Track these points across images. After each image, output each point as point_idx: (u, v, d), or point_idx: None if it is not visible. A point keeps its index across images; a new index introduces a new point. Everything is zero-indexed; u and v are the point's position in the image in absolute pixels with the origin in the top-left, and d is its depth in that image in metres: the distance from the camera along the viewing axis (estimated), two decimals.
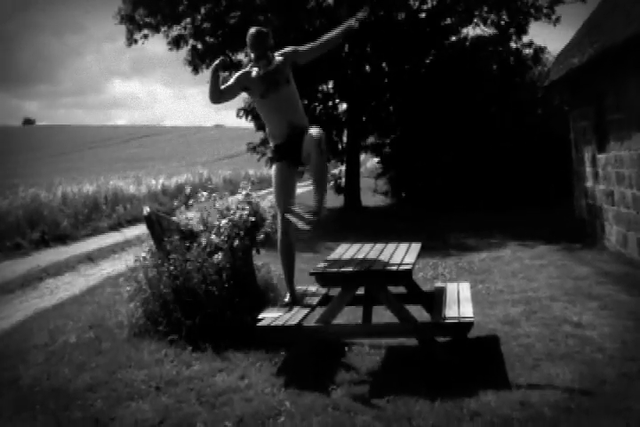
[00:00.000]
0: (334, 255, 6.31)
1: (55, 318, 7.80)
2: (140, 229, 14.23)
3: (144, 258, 6.97)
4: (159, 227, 6.83)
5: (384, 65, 21.43)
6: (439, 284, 7.26)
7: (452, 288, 6.57)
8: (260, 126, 21.26)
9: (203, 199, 7.16)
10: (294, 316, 5.66)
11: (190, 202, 7.29)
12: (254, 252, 6.92)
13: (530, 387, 5.01)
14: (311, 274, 5.62)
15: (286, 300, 6.10)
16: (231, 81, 6.12)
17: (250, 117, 21.27)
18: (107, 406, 5.00)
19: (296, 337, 5.55)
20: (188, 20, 20.23)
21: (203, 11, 19.90)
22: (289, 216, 5.67)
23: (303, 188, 17.02)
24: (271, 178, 6.34)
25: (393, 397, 4.90)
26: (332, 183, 22.98)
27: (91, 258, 12.87)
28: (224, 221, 6.71)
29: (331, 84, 21.68)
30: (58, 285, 10.44)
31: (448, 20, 20.87)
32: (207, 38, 20.29)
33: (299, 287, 6.32)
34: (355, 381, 5.38)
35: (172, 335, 6.36)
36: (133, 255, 7.28)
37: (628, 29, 9.46)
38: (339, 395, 5.02)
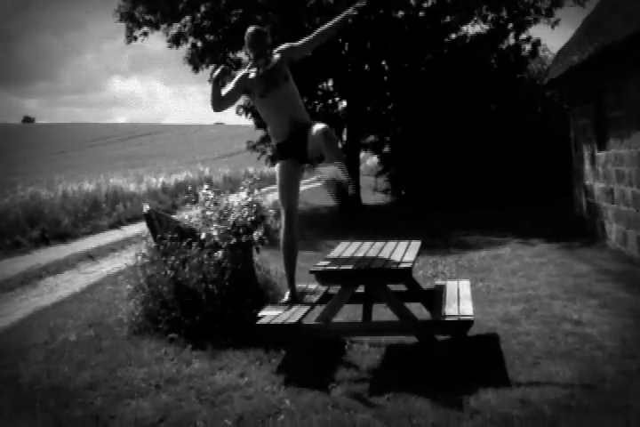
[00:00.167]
0: (334, 253, 6.31)
1: (55, 316, 7.80)
2: (140, 228, 14.21)
3: (144, 256, 6.98)
4: (159, 225, 6.83)
5: (384, 63, 21.42)
6: (439, 282, 7.26)
7: (451, 286, 6.57)
8: (259, 124, 21.26)
9: (203, 198, 7.15)
10: (294, 314, 5.66)
11: (194, 199, 7.28)
12: (254, 250, 6.92)
13: (529, 385, 5.01)
14: (311, 272, 5.62)
15: (286, 298, 6.09)
16: (230, 86, 6.11)
17: (249, 115, 21.26)
18: (107, 404, 5.00)
19: (296, 335, 5.55)
20: (188, 17, 20.21)
21: (203, 9, 19.87)
22: (326, 187, 5.54)
23: (305, 185, 17.01)
24: (274, 176, 6.34)
25: (393, 395, 4.90)
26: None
27: (91, 256, 12.87)
28: (225, 220, 6.71)
29: (330, 83, 21.67)
30: (58, 283, 10.44)
31: (448, 19, 20.85)
32: (207, 36, 20.26)
33: (298, 285, 6.32)
34: (355, 379, 5.38)
35: (171, 333, 6.36)
36: (133, 253, 7.28)
37: (628, 27, 9.45)
38: (338, 393, 5.03)
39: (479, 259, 10.97)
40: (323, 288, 6.40)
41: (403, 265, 5.58)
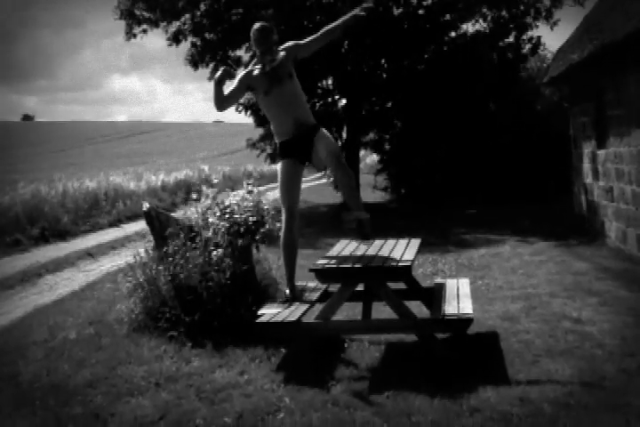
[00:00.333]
0: (333, 251, 6.31)
1: (55, 314, 7.80)
2: (140, 226, 14.23)
3: (143, 254, 6.98)
4: (158, 223, 6.83)
5: (383, 62, 21.41)
6: (439, 280, 7.26)
7: (451, 284, 6.57)
8: (259, 122, 21.26)
9: (204, 197, 7.15)
10: (294, 312, 5.65)
11: (195, 197, 7.27)
12: (254, 248, 6.92)
13: (529, 383, 5.01)
14: (311, 270, 5.62)
15: (286, 296, 6.09)
16: (234, 84, 6.09)
17: (249, 113, 21.24)
18: (106, 402, 5.00)
19: (295, 333, 5.55)
20: (188, 16, 20.19)
21: (203, 7, 19.86)
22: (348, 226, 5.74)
23: (305, 183, 17.02)
24: (274, 174, 6.36)
25: (392, 393, 4.90)
26: (331, 179, 22.96)
27: (90, 254, 12.87)
28: (225, 218, 6.71)
29: (330, 81, 21.66)
30: (57, 281, 10.44)
31: (447, 17, 20.84)
32: (207, 35, 20.24)
33: (298, 283, 6.31)
34: (354, 377, 5.38)
35: (171, 331, 6.36)
36: (133, 251, 7.28)
37: (628, 26, 9.45)
38: (338, 391, 5.03)
39: (479, 257, 10.97)
40: (322, 286, 6.41)
41: (402, 263, 5.58)
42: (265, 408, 4.73)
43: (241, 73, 6.18)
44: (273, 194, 7.23)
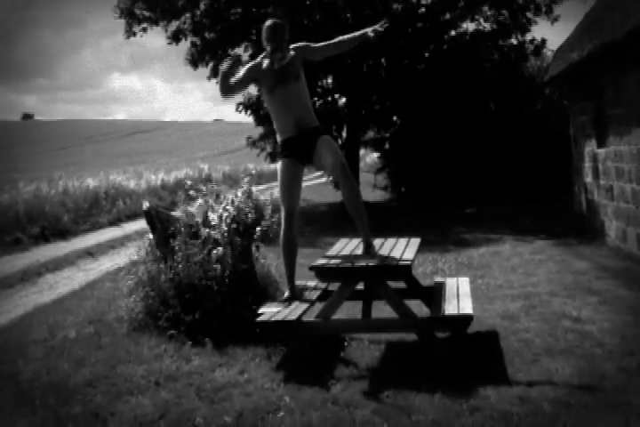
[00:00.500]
0: (333, 250, 6.31)
1: (54, 313, 7.80)
2: (140, 225, 14.23)
3: (143, 253, 6.98)
4: (158, 222, 6.83)
5: (383, 61, 21.40)
6: (439, 279, 7.26)
7: (451, 283, 6.57)
8: (259, 121, 21.25)
9: (203, 195, 7.15)
10: (294, 311, 5.66)
11: (195, 195, 7.27)
12: (254, 247, 6.92)
13: (529, 382, 5.01)
14: (311, 269, 5.62)
15: (286, 295, 6.09)
16: (241, 73, 6.06)
17: (249, 112, 21.23)
18: (106, 401, 5.00)
19: (295, 332, 5.56)
20: (188, 15, 20.19)
21: (202, 6, 19.85)
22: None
23: (305, 182, 17.01)
24: (274, 172, 6.36)
25: (392, 392, 4.90)
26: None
27: (90, 253, 12.87)
28: (219, 214, 6.70)
29: (330, 79, 21.65)
30: (57, 280, 10.44)
31: (447, 16, 20.84)
32: (206, 34, 20.23)
33: (298, 282, 6.31)
34: (354, 376, 5.38)
35: (171, 330, 6.36)
36: (133, 250, 7.28)
37: (628, 24, 9.44)
38: (338, 390, 5.03)
39: (479, 256, 10.97)
40: (322, 285, 6.40)
41: (402, 262, 5.58)
42: (265, 407, 4.73)
43: (249, 63, 6.16)
44: (273, 192, 7.22)
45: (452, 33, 21.35)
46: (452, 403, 4.66)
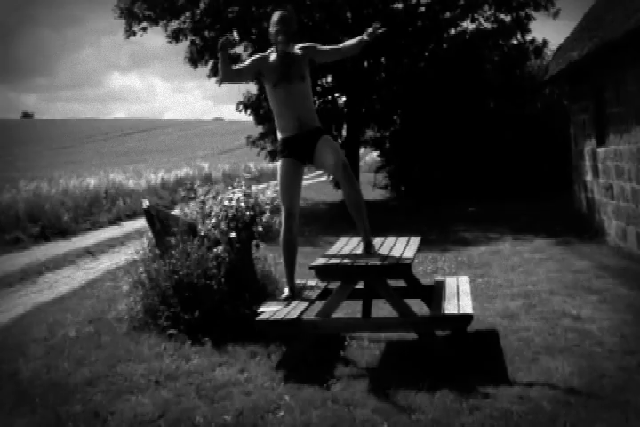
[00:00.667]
0: (333, 249, 6.30)
1: (54, 312, 7.80)
2: (140, 223, 14.22)
3: (143, 252, 6.97)
4: (158, 221, 6.83)
5: (383, 60, 21.39)
6: (438, 278, 7.26)
7: (451, 282, 6.57)
8: (259, 120, 21.26)
9: (202, 194, 7.15)
10: (294, 310, 5.66)
11: (192, 195, 7.27)
12: (253, 246, 6.92)
13: (529, 381, 5.02)
14: (311, 268, 5.61)
15: (285, 294, 6.09)
16: (246, 62, 6.07)
17: (249, 111, 21.22)
18: (106, 399, 5.00)
19: (295, 331, 5.55)
20: (188, 14, 20.17)
21: (202, 5, 19.83)
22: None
23: (305, 181, 17.02)
24: (273, 171, 6.35)
25: (392, 390, 4.90)
26: (331, 177, 22.95)
27: (90, 252, 12.87)
28: (222, 214, 6.70)
29: (330, 78, 21.65)
30: (57, 279, 10.44)
31: (447, 15, 20.82)
32: (206, 33, 20.22)
33: (298, 281, 6.31)
34: (354, 374, 5.38)
35: (171, 329, 6.36)
36: (133, 249, 7.27)
37: (628, 23, 9.44)
38: (338, 389, 5.03)
39: (478, 255, 10.97)
40: (322, 284, 6.41)
41: (402, 261, 5.58)
42: (265, 406, 4.73)
43: (257, 55, 6.14)
44: (273, 191, 7.21)
45: (452, 32, 21.35)
46: (452, 402, 4.66)
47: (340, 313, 6.26)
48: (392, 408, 4.62)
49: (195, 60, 20.61)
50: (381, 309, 6.70)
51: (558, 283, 8.37)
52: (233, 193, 6.87)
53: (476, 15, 20.68)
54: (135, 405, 4.86)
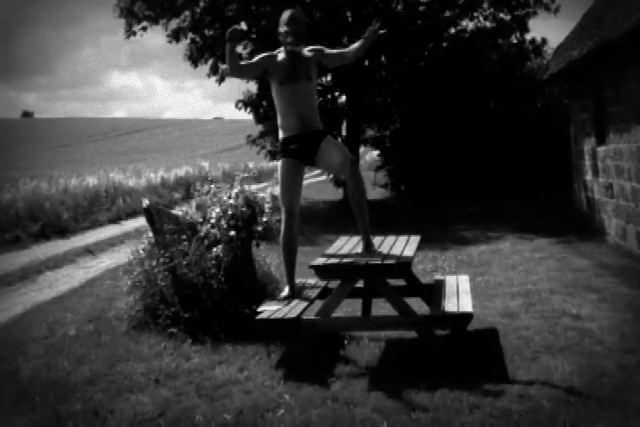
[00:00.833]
0: (333, 248, 6.30)
1: (54, 311, 7.80)
2: (139, 222, 14.23)
3: (143, 250, 6.97)
4: (158, 219, 6.83)
5: (383, 59, 21.39)
6: (438, 276, 7.26)
7: (451, 281, 6.56)
8: (259, 119, 21.26)
9: (201, 193, 7.15)
10: (293, 309, 5.66)
11: (191, 194, 7.28)
12: (253, 245, 6.91)
13: (529, 379, 5.01)
14: (310, 267, 5.61)
15: (285, 293, 6.09)
16: (255, 59, 6.06)
17: (249, 109, 21.21)
18: (106, 398, 5.00)
19: (295, 330, 5.55)
20: (188, 13, 20.16)
21: (202, 4, 19.83)
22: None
23: (307, 180, 17.03)
24: (273, 170, 6.35)
25: (392, 389, 4.90)
26: (331, 176, 22.97)
27: (90, 251, 12.88)
28: (218, 211, 6.70)
29: (330, 77, 21.65)
30: (57, 277, 10.44)
31: (447, 13, 20.82)
32: (206, 32, 20.21)
33: (298, 280, 6.31)
34: (354, 373, 5.38)
35: (171, 328, 6.36)
36: (132, 248, 7.27)
37: (628, 22, 9.43)
38: (338, 387, 5.03)
39: (478, 254, 10.97)
40: (322, 283, 6.40)
41: (402, 260, 5.57)
42: (265, 405, 4.73)
43: (266, 53, 6.13)
44: (272, 191, 7.20)
45: (452, 31, 21.36)
46: (451, 401, 4.66)
47: (339, 312, 6.26)
48: (392, 407, 4.61)
49: (195, 58, 20.60)
50: (381, 308, 6.70)
51: (558, 282, 8.37)
52: (232, 192, 6.87)
53: (475, 13, 20.69)
54: (135, 404, 4.86)
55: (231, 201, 6.74)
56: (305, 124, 5.93)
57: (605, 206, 11.59)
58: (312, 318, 5.59)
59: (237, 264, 6.63)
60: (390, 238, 6.55)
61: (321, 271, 5.62)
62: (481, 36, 20.66)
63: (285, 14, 5.99)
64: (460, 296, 5.90)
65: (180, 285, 6.50)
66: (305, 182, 7.32)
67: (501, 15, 20.59)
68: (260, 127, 21.99)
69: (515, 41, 20.79)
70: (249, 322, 5.83)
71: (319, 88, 21.16)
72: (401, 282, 6.44)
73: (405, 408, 4.57)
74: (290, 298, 5.98)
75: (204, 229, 6.72)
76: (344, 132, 21.59)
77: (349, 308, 6.90)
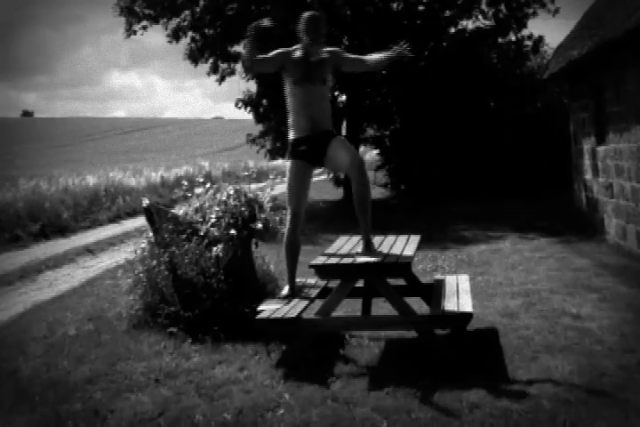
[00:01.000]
0: (333, 248, 6.30)
1: (54, 311, 7.80)
2: (139, 222, 14.22)
3: (143, 250, 6.97)
4: (158, 219, 6.82)
5: None
6: (438, 276, 7.26)
7: (451, 280, 6.56)
8: (259, 119, 21.23)
9: (201, 191, 7.15)
10: (294, 308, 5.66)
11: (190, 194, 7.27)
12: (253, 245, 6.91)
13: (529, 379, 5.01)
14: (310, 266, 5.61)
15: (285, 292, 6.09)
16: (271, 54, 6.01)
17: (249, 109, 21.19)
18: (106, 398, 5.00)
19: (295, 329, 5.55)
20: (188, 12, 20.16)
21: (202, 3, 19.82)
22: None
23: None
24: (273, 170, 6.34)
25: (392, 389, 4.90)
26: (331, 175, 22.98)
27: (90, 250, 12.87)
28: (218, 211, 6.70)
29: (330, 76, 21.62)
30: (57, 277, 10.44)
31: (447, 13, 20.82)
32: (206, 30, 20.20)
33: (298, 280, 6.31)
34: (354, 373, 5.38)
35: (171, 328, 6.36)
36: (132, 247, 7.27)
37: (628, 22, 9.43)
38: (338, 387, 5.03)
39: (478, 253, 10.97)
40: (322, 282, 6.40)
41: (402, 260, 5.57)
42: (264, 404, 4.73)
43: (283, 48, 6.10)
44: (272, 190, 7.20)
45: (452, 30, 21.35)
46: (451, 400, 4.66)
47: (339, 311, 6.26)
48: (392, 407, 4.61)
49: (195, 57, 20.59)
50: (381, 307, 6.70)
51: (558, 281, 8.37)
52: (231, 191, 6.86)
53: (474, 12, 20.68)
54: (135, 403, 4.86)
55: (231, 200, 6.74)
56: (315, 126, 5.93)
57: (605, 206, 11.59)
58: (312, 317, 5.59)
59: (237, 263, 6.63)
60: (390, 238, 6.56)
61: (321, 271, 5.62)
62: (481, 35, 20.66)
63: (306, 15, 6.01)
64: (459, 296, 5.90)
65: (180, 284, 6.50)
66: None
67: (500, 15, 20.56)
68: (260, 126, 21.96)
69: (513, 38, 20.77)
70: (249, 321, 5.83)
71: None
72: (401, 282, 6.44)
73: (405, 408, 4.57)
74: (290, 297, 5.98)
75: (203, 229, 6.71)
76: (344, 132, 21.57)
77: (349, 307, 6.89)
